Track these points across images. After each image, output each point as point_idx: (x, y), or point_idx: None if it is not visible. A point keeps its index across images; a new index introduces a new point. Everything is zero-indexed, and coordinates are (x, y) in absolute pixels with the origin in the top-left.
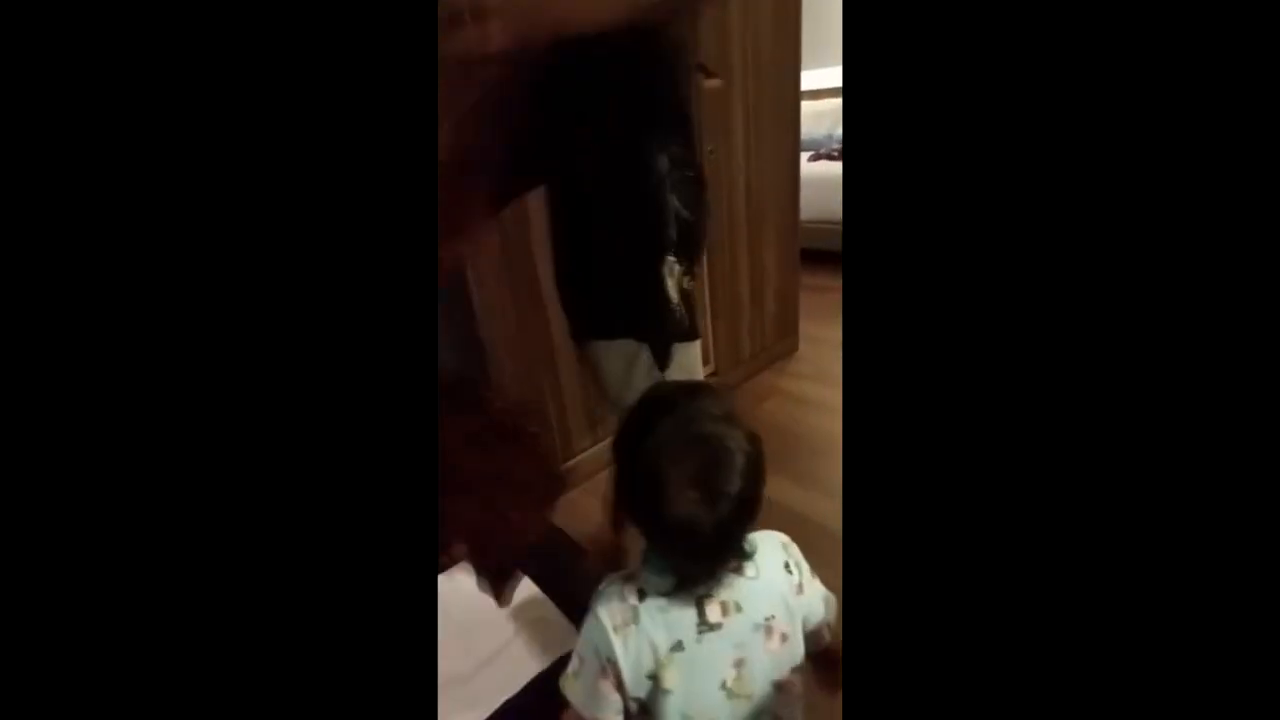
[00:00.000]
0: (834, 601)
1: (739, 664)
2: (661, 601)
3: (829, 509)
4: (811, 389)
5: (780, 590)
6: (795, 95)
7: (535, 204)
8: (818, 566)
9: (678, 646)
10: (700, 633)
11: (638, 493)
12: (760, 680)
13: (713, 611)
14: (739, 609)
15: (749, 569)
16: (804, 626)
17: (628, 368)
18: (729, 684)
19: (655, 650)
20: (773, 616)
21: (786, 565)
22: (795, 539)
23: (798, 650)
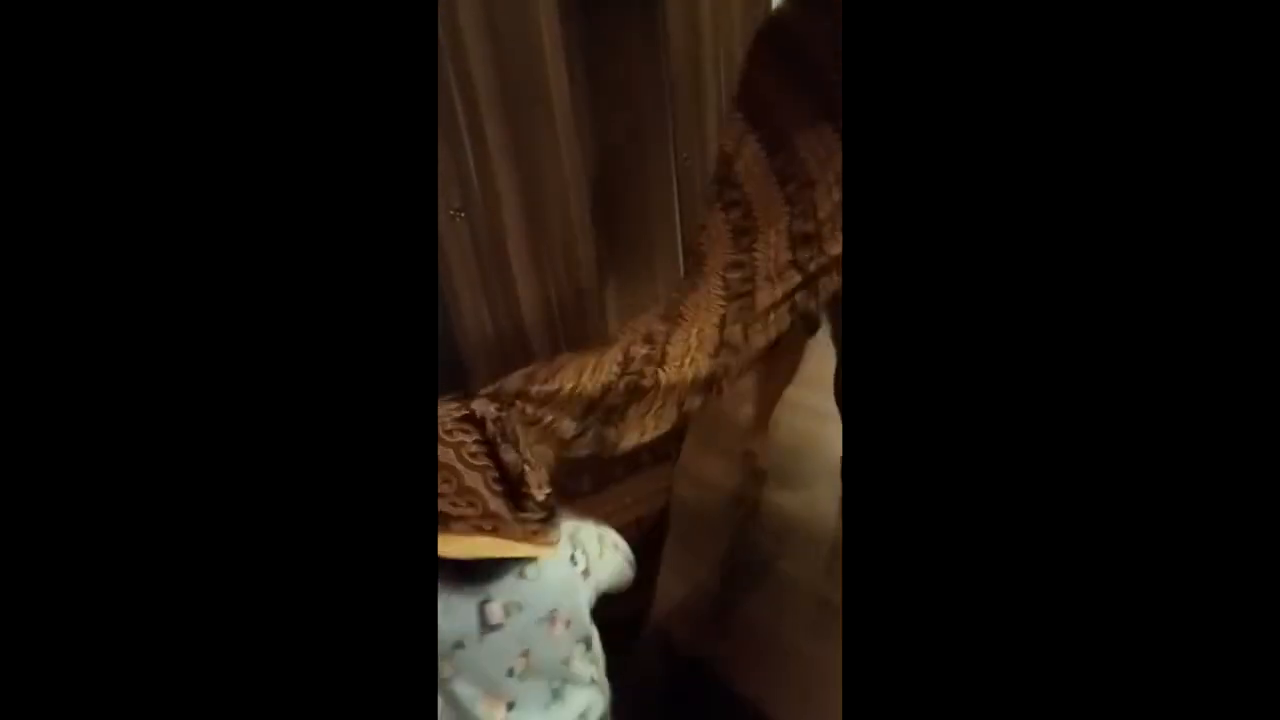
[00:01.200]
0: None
1: (525, 654)
2: (441, 604)
3: (808, 504)
4: (792, 391)
5: (563, 583)
6: None
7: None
8: (792, 560)
9: (459, 645)
10: (482, 634)
11: None
12: (550, 660)
13: (494, 613)
14: (519, 609)
15: (530, 571)
16: (595, 595)
17: None
18: (517, 671)
19: (441, 645)
20: (556, 609)
21: (572, 557)
22: (771, 531)
23: (582, 627)
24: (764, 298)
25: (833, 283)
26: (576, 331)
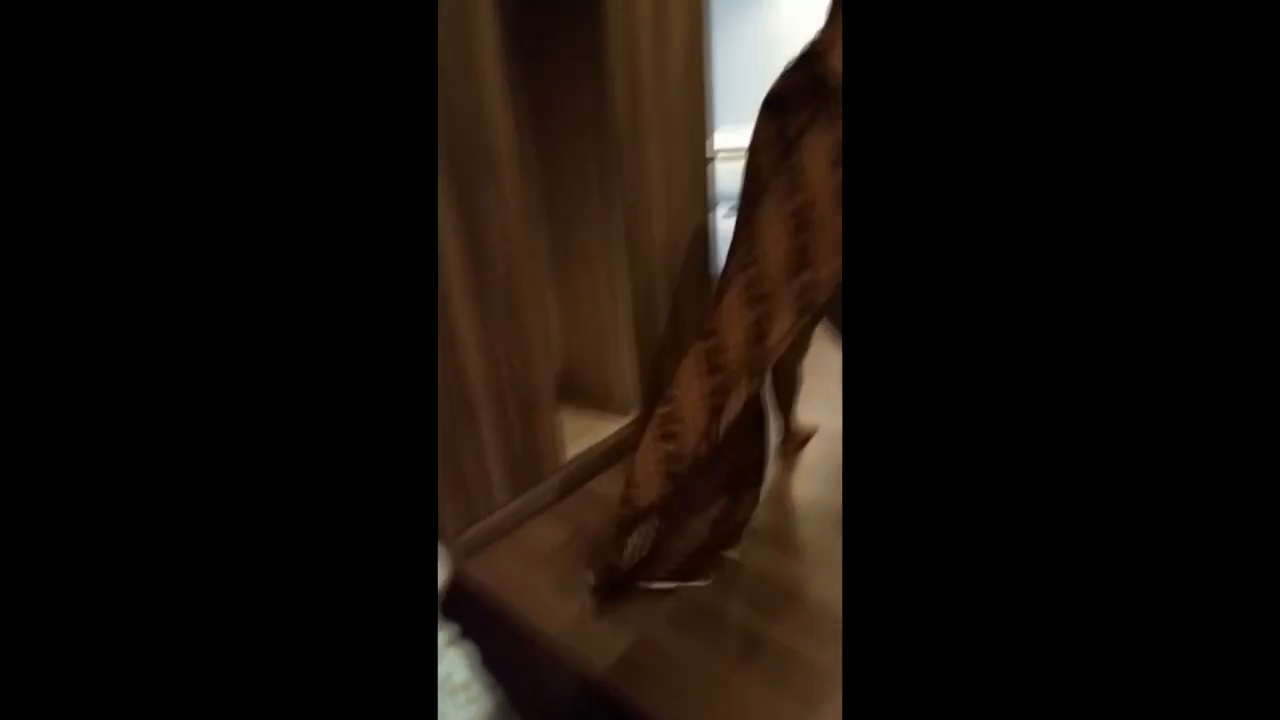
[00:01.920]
0: None
1: None
2: None
3: (746, 549)
4: None
5: None
6: (703, 153)
7: None
8: (735, 602)
9: None
10: None
11: None
12: None
13: None
14: None
15: None
16: None
17: None
18: None
19: None
20: None
21: None
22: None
23: None
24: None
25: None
26: (523, 384)
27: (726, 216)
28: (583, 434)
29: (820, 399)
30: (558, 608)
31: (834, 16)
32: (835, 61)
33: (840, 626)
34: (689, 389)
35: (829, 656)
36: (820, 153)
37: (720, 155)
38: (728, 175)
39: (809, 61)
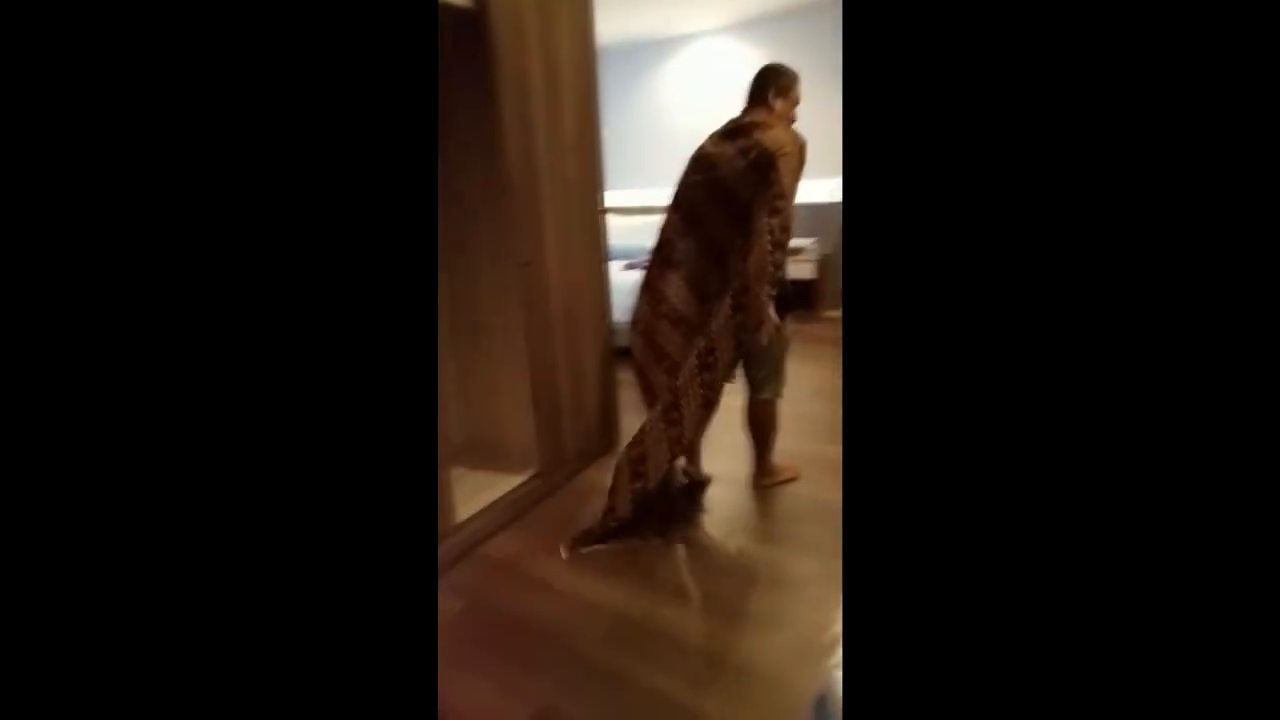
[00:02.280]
0: None
1: None
2: None
3: (651, 607)
4: None
5: None
6: (597, 210)
7: None
8: (642, 665)
9: None
10: None
11: None
12: None
13: None
14: None
15: None
16: None
17: None
18: None
19: None
20: None
21: None
22: (616, 635)
23: None
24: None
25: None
26: None
27: (624, 269)
28: (480, 491)
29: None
30: (459, 686)
31: (755, 102)
32: (767, 142)
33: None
34: (691, 383)
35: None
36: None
37: (612, 213)
38: (624, 232)
39: (737, 136)
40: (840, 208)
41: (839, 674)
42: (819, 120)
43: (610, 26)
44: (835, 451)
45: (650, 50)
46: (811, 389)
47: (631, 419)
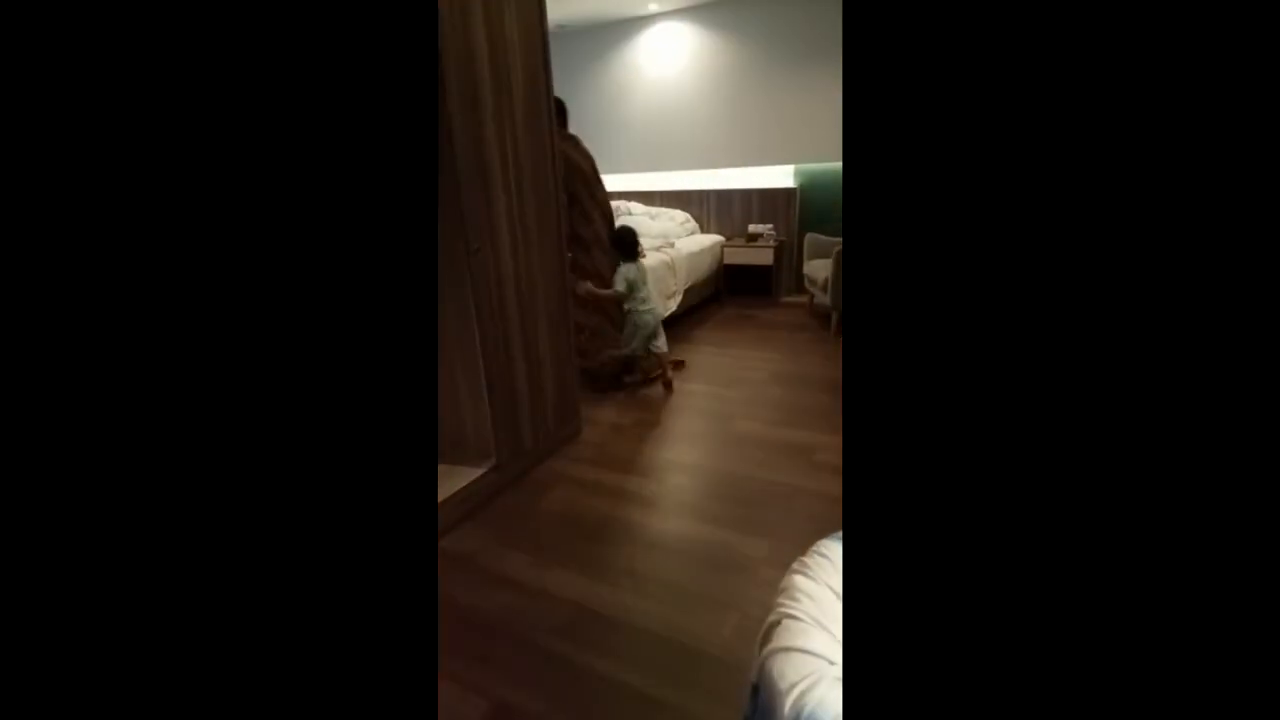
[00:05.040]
0: None
1: None
2: None
3: (609, 596)
4: (593, 473)
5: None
6: (552, 193)
7: None
8: (599, 655)
9: None
10: None
11: None
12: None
13: None
14: None
15: None
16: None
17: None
18: None
19: None
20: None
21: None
22: (574, 626)
23: None
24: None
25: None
26: None
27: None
28: (438, 484)
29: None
30: None
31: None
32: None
33: None
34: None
35: None
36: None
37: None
38: None
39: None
40: (796, 193)
41: (774, 661)
42: (772, 108)
43: (568, 7)
44: (789, 435)
45: (609, 31)
46: (768, 375)
47: (593, 409)
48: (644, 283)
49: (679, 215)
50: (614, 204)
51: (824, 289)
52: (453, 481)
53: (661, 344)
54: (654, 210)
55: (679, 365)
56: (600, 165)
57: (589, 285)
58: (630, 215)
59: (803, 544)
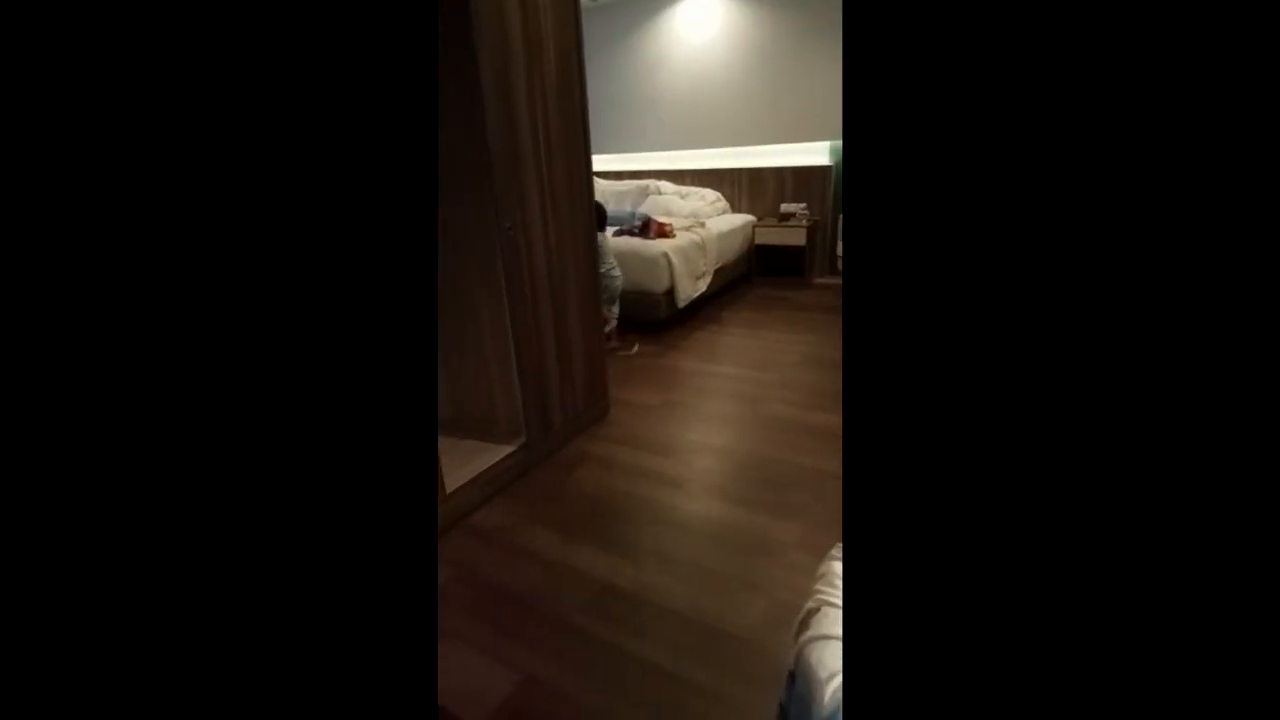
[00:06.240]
0: None
1: None
2: None
3: (637, 575)
4: (622, 453)
5: None
6: (586, 173)
7: None
8: (627, 634)
9: None
10: None
11: None
12: None
13: None
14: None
15: None
16: None
17: None
18: None
19: None
20: None
21: None
22: (602, 604)
23: None
24: None
25: None
26: None
27: (614, 236)
28: (468, 462)
29: None
30: (446, 655)
31: None
32: None
33: None
34: None
35: None
36: None
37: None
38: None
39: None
40: (830, 171)
41: (813, 649)
42: (807, 83)
43: None
44: (822, 419)
45: (640, 5)
46: (799, 358)
47: (622, 388)
48: (609, 252)
49: (709, 194)
50: (642, 183)
51: None
52: (483, 458)
53: (614, 310)
54: (684, 189)
55: (625, 342)
56: (629, 144)
57: None
58: (660, 195)
59: (833, 529)
